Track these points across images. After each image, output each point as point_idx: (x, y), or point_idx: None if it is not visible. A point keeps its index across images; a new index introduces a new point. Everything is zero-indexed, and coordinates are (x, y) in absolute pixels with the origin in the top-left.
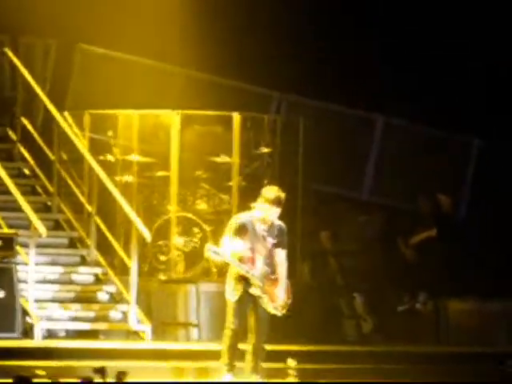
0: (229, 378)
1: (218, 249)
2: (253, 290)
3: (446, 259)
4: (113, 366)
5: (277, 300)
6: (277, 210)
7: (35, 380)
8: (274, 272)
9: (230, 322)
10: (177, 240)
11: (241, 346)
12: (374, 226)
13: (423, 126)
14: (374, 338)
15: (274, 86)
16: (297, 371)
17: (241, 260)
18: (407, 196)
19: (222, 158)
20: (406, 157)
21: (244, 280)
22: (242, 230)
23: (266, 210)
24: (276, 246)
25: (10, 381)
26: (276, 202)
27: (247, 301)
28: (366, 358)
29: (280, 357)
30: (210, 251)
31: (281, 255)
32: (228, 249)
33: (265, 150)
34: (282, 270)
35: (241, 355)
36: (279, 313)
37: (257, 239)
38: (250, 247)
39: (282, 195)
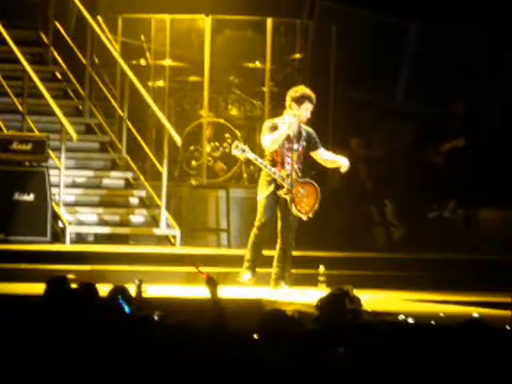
0: (247, 277)
1: (244, 146)
2: (280, 192)
3: (475, 168)
4: (142, 270)
5: (304, 203)
6: (307, 107)
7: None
8: (302, 176)
9: (257, 219)
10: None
11: (269, 252)
12: (405, 134)
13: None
14: (404, 245)
15: None
16: (325, 277)
17: (272, 164)
18: (441, 101)
19: (255, 64)
20: (440, 62)
21: (274, 183)
22: (275, 130)
23: (295, 111)
24: (313, 148)
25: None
26: (303, 98)
27: (276, 203)
28: (395, 265)
29: (309, 263)
30: (237, 148)
31: (322, 151)
32: (265, 144)
33: (297, 55)
34: (330, 155)
35: (269, 262)
36: (304, 216)
37: (287, 142)
38: (280, 150)
39: (308, 91)
